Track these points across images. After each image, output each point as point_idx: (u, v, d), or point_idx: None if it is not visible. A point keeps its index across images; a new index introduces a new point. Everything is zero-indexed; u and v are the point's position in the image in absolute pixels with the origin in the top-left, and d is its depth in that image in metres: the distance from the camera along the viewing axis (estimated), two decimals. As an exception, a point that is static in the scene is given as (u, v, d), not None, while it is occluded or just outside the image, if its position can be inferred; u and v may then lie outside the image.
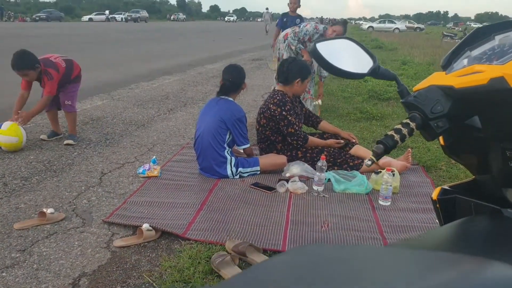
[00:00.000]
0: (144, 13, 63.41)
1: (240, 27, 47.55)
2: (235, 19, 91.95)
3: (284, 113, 3.66)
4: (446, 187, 1.39)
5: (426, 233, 1.06)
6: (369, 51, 1.22)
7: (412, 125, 1.15)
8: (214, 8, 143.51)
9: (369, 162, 1.16)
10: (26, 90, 4.23)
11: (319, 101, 6.07)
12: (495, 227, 1.03)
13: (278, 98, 3.72)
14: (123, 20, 58.85)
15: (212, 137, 3.43)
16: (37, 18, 50.99)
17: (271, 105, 3.70)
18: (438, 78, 1.18)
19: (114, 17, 65.41)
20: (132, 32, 29.75)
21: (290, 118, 3.67)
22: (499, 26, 1.23)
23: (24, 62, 4.02)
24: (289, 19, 6.83)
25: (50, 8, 71.71)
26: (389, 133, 1.14)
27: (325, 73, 6.06)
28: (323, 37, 5.46)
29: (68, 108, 4.36)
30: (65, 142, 4.28)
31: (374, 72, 1.18)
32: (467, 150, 1.31)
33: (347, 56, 1.19)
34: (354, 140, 3.89)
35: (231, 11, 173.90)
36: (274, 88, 3.93)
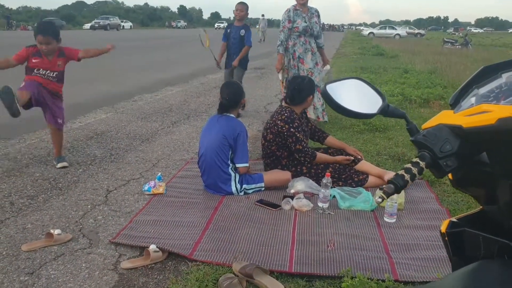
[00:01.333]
0: (115, 20, 55.72)
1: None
2: (226, 26, 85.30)
3: (292, 130, 3.67)
4: (454, 219, 1.40)
5: (440, 282, 1.07)
6: (378, 90, 1.24)
7: (422, 164, 1.17)
8: (215, 15, 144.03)
9: (380, 200, 1.17)
10: (16, 61, 4.00)
11: (328, 66, 6.18)
12: (507, 276, 1.03)
13: (286, 115, 3.73)
14: (90, 28, 50.82)
15: (216, 154, 3.45)
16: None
17: (279, 122, 3.72)
18: (447, 117, 1.20)
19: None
20: (130, 40, 29.87)
21: (298, 135, 3.68)
22: (506, 64, 1.25)
23: (53, 29, 4.03)
24: (233, 30, 6.36)
25: (52, 16, 71.89)
26: (400, 172, 1.16)
27: (321, 42, 6.02)
28: (296, 11, 5.62)
29: (61, 126, 4.22)
30: (60, 165, 4.07)
31: (384, 111, 1.20)
32: (475, 183, 1.33)
33: (356, 96, 1.21)
34: (359, 157, 3.89)
35: (232, 18, 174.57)
36: (281, 104, 3.93)
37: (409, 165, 1.17)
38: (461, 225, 1.39)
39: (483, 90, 1.23)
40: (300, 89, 3.77)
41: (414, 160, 1.18)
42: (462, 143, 1.15)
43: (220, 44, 6.69)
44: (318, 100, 5.67)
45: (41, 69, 4.03)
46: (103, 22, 52.52)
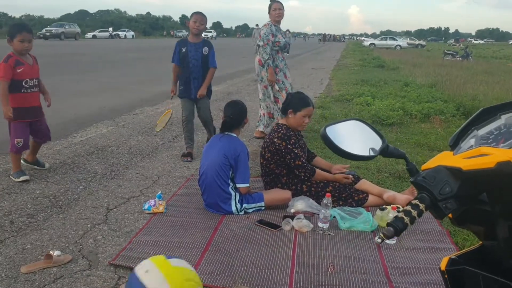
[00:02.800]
0: (73, 28, 45.41)
1: (243, 43, 47.84)
2: (214, 35, 76.54)
3: (289, 146, 3.69)
4: (454, 257, 1.40)
5: None
6: (378, 131, 1.24)
7: (421, 206, 1.17)
8: (217, 25, 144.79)
9: (379, 240, 1.18)
10: (7, 80, 3.87)
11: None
12: None
13: (282, 132, 3.75)
14: (41, 37, 42.92)
15: (216, 173, 3.46)
16: (41, 36, 51.39)
17: (276, 139, 3.74)
18: (446, 159, 1.20)
19: (118, 34, 66.06)
20: (134, 50, 30.02)
21: (296, 151, 3.70)
22: (504, 106, 1.25)
23: (29, 27, 4.17)
24: (190, 48, 4.90)
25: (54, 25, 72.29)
26: (399, 215, 1.16)
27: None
28: (275, 27, 5.94)
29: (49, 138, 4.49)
30: (23, 178, 4.07)
31: (384, 152, 1.20)
32: (475, 221, 1.33)
33: (356, 137, 1.21)
34: (346, 180, 3.82)
35: (233, 27, 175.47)
36: (278, 122, 3.96)
37: (408, 208, 1.17)
38: (461, 262, 1.38)
39: (482, 131, 1.24)
40: (287, 102, 3.88)
41: (414, 202, 1.18)
42: (461, 186, 1.16)
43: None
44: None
45: (28, 80, 4.01)
46: (56, 30, 43.92)
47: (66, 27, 45.37)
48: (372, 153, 1.20)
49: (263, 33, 5.85)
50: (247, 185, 3.55)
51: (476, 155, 1.14)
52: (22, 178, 4.06)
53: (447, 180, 1.16)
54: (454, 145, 1.26)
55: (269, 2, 5.99)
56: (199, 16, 4.88)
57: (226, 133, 3.63)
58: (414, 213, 1.16)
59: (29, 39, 3.98)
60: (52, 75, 11.17)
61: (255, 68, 6.18)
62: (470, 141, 1.23)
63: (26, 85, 4.01)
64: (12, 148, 4.07)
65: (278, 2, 5.91)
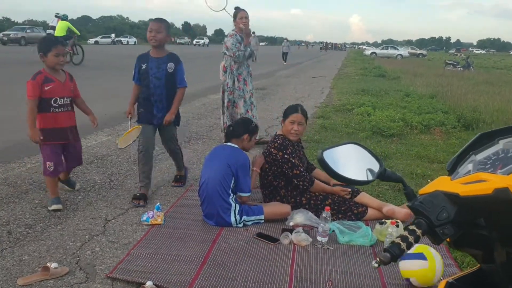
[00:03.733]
0: (35, 32, 35.28)
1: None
2: (206, 43, 74.72)
3: (286, 156, 3.70)
4: (451, 280, 1.40)
5: None
6: (375, 155, 1.24)
7: (418, 232, 1.17)
8: (219, 32, 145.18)
9: (376, 265, 1.17)
10: (35, 99, 3.56)
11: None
12: None
13: (278, 142, 3.77)
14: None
15: (218, 183, 3.45)
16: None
17: (273, 150, 3.75)
18: (444, 184, 1.20)
19: (120, 40, 66.37)
20: (134, 57, 30.00)
21: (293, 160, 3.71)
22: (503, 131, 1.25)
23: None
24: (151, 65, 3.99)
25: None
26: (396, 240, 1.16)
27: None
28: (240, 36, 5.95)
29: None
30: (54, 207, 3.68)
31: (381, 175, 1.20)
32: (472, 245, 1.32)
33: (353, 161, 1.21)
34: (344, 192, 3.82)
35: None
36: (276, 133, 3.97)
37: (405, 233, 1.17)
38: (459, 286, 1.38)
39: (480, 156, 1.24)
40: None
41: (411, 227, 1.18)
42: (458, 211, 1.15)
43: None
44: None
45: (58, 98, 3.66)
46: (14, 34, 36.29)
47: (27, 31, 36.82)
48: (369, 178, 1.20)
49: (230, 44, 5.91)
50: (249, 194, 3.60)
51: (473, 181, 1.13)
52: (53, 207, 3.67)
53: (444, 206, 1.16)
54: (452, 170, 1.26)
55: (235, 10, 6.07)
56: (154, 24, 3.95)
57: (229, 143, 3.67)
58: (411, 238, 1.16)
59: (63, 53, 3.73)
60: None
61: (220, 75, 6.20)
62: (468, 166, 1.23)
63: (55, 104, 3.66)
64: (44, 171, 3.71)
65: (244, 11, 6.00)
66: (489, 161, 1.20)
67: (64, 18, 17.51)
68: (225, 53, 6.02)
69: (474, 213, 1.18)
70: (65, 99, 3.73)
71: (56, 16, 17.83)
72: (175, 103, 4.07)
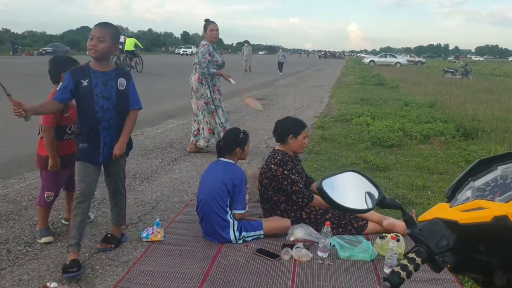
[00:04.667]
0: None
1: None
2: (194, 52, 72.60)
3: (286, 172, 3.69)
4: None
5: None
6: (374, 182, 1.24)
7: (418, 260, 1.16)
8: (218, 41, 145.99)
9: (375, 293, 1.16)
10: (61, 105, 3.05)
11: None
12: None
13: (278, 157, 3.76)
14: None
15: (214, 201, 3.44)
16: (43, 52, 51.72)
17: (272, 165, 3.74)
18: (443, 211, 1.20)
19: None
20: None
21: (292, 176, 3.70)
22: (501, 157, 1.25)
23: None
24: (97, 80, 3.07)
25: (57, 41, 73.09)
26: (396, 269, 1.15)
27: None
28: (213, 46, 6.21)
29: None
30: (45, 240, 3.43)
31: (380, 203, 1.20)
32: (472, 269, 1.32)
33: (353, 189, 1.21)
34: None
35: (234, 44, 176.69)
36: (274, 148, 3.96)
37: (405, 261, 1.16)
38: None
39: (478, 182, 1.24)
40: (283, 129, 3.85)
41: (410, 255, 1.17)
42: (458, 239, 1.15)
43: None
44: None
45: (72, 125, 3.46)
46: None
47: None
48: (369, 206, 1.20)
49: (200, 52, 6.13)
50: (243, 211, 3.55)
51: (472, 208, 1.13)
52: (44, 240, 3.43)
53: (443, 233, 1.16)
54: (451, 197, 1.26)
55: (205, 22, 6.27)
56: (97, 29, 3.10)
57: (222, 159, 3.64)
58: (411, 267, 1.15)
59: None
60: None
61: (193, 86, 6.30)
62: (467, 192, 1.22)
63: (69, 131, 3.48)
64: (40, 201, 3.51)
65: (215, 23, 6.23)
66: (488, 187, 1.20)
67: (130, 35, 22.40)
68: (195, 63, 6.21)
69: (473, 240, 1.17)
70: (74, 125, 3.47)
71: (123, 35, 21.03)
72: (126, 130, 3.21)
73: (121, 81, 3.17)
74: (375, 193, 1.22)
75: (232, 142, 3.65)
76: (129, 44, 21.12)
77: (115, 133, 3.16)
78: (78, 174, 3.11)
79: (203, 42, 6.24)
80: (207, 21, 6.26)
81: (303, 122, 3.97)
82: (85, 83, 3.04)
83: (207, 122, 6.33)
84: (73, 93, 3.04)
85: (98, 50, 3.04)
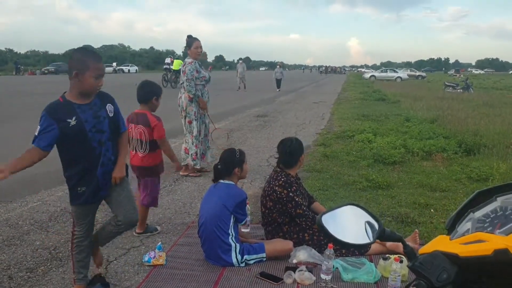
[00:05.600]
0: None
1: (247, 76, 48.17)
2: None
3: (291, 194, 3.67)
4: None
5: None
6: (374, 215, 1.24)
7: None
8: (220, 58, 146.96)
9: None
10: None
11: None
12: None
13: (283, 179, 3.74)
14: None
15: (216, 224, 3.43)
16: (46, 71, 52.17)
17: (277, 188, 3.71)
18: (443, 244, 1.20)
19: (122, 69, 67.09)
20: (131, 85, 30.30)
21: (297, 199, 3.68)
22: (500, 188, 1.25)
23: None
24: (86, 116, 2.75)
25: (59, 60, 73.62)
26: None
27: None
28: (198, 63, 6.27)
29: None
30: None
31: (380, 236, 1.20)
32: None
33: (352, 223, 1.21)
34: None
35: (235, 60, 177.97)
36: (275, 169, 3.93)
37: (406, 296, 1.16)
38: None
39: (478, 214, 1.24)
40: (291, 152, 3.81)
41: None
42: (459, 272, 1.15)
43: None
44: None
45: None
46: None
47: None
48: (369, 239, 1.20)
49: (188, 70, 6.13)
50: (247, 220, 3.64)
51: (473, 241, 1.13)
52: (159, 228, 4.30)
53: (444, 266, 1.16)
54: (450, 228, 1.26)
55: (188, 39, 6.27)
56: (102, 65, 2.80)
57: (221, 181, 3.61)
58: (412, 302, 1.15)
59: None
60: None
61: (183, 106, 6.31)
62: (467, 224, 1.22)
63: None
64: (153, 202, 4.21)
65: (198, 40, 6.25)
66: (488, 219, 1.20)
67: (176, 57, 27.83)
68: (184, 81, 6.21)
69: (474, 272, 1.17)
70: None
71: (169, 57, 28.01)
72: (122, 153, 3.03)
73: (109, 107, 2.90)
74: (375, 226, 1.22)
75: (230, 163, 3.61)
76: (177, 64, 25.32)
77: (112, 164, 2.94)
78: (78, 218, 2.95)
79: (188, 60, 6.23)
80: (190, 37, 6.25)
81: (303, 144, 3.99)
82: (72, 122, 2.68)
83: (185, 142, 6.41)
84: (57, 137, 2.67)
85: (95, 87, 2.77)
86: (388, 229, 1.23)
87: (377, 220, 1.23)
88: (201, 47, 6.24)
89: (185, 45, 6.39)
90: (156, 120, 4.02)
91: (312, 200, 4.19)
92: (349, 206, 1.27)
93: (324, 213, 1.22)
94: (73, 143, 2.72)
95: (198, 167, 6.39)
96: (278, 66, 29.75)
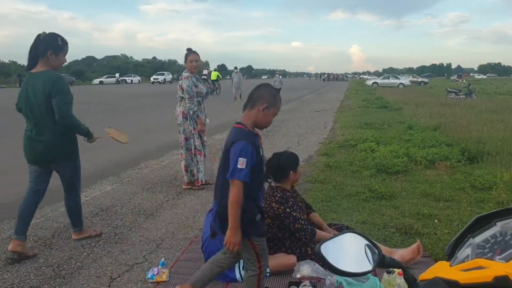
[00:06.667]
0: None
1: (249, 85, 48.48)
2: (169, 79, 65.12)
3: (288, 210, 3.65)
4: None
5: None
6: (373, 242, 1.24)
7: None
8: (222, 67, 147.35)
9: None
10: None
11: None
12: None
13: (279, 195, 3.71)
14: None
15: (220, 240, 3.41)
16: None
17: (274, 204, 3.69)
18: (443, 270, 1.19)
19: (124, 80, 67.41)
20: (144, 96, 30.55)
21: (294, 214, 3.66)
22: (499, 213, 1.25)
23: None
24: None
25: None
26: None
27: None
28: (195, 77, 6.13)
29: None
30: None
31: (380, 263, 1.19)
32: None
33: (352, 252, 1.21)
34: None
35: (238, 69, 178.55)
36: (270, 185, 3.88)
37: (406, 324, 1.16)
38: None
39: (478, 239, 1.23)
40: (279, 167, 3.77)
41: None
42: None
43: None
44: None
45: None
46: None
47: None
48: (369, 267, 1.19)
49: (186, 86, 5.98)
50: None
51: (473, 268, 1.13)
52: None
53: None
54: (450, 255, 1.26)
55: (186, 52, 6.15)
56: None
57: None
58: (413, 329, 1.14)
59: None
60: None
61: (178, 120, 6.22)
62: (466, 250, 1.22)
63: None
64: None
65: (195, 54, 6.09)
66: (488, 244, 1.20)
67: (212, 70, 33.72)
68: (182, 97, 6.11)
69: None
70: None
71: (206, 69, 33.49)
72: None
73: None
74: (375, 253, 1.21)
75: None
76: (214, 75, 31.59)
77: None
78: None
79: (185, 74, 6.09)
80: (189, 50, 6.12)
81: (295, 154, 3.94)
82: (261, 151, 2.61)
83: (184, 159, 6.25)
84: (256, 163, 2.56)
85: None
86: (388, 256, 1.23)
87: (376, 247, 1.23)
88: (196, 60, 6.05)
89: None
90: None
91: (310, 210, 4.14)
92: (348, 234, 1.28)
93: (323, 242, 1.22)
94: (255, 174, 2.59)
95: (202, 181, 6.33)
96: (276, 75, 29.21)
